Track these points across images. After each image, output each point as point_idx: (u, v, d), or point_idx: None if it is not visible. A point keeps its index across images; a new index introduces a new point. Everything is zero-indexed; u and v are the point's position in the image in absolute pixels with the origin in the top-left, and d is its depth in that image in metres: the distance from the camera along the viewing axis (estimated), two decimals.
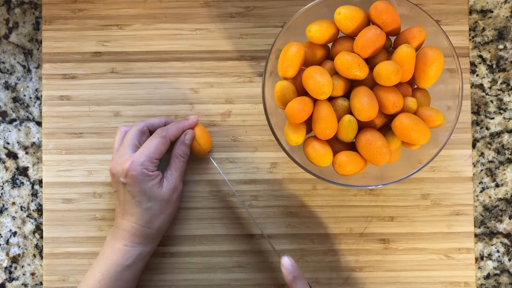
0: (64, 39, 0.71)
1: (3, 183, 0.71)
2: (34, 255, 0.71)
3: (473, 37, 0.71)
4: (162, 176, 0.65)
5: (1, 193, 0.71)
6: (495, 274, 0.71)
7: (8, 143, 0.71)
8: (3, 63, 0.71)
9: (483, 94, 0.71)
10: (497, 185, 0.71)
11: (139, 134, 0.65)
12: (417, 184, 0.70)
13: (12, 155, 0.71)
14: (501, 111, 0.71)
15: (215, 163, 0.69)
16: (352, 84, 0.64)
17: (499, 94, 0.71)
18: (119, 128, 0.68)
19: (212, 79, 0.70)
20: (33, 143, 0.71)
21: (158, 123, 0.68)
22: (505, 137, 0.71)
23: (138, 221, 0.63)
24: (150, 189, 0.63)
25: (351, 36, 0.64)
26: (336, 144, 0.64)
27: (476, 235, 0.71)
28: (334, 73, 0.63)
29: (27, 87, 0.71)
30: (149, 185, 0.63)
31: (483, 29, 0.71)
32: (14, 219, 0.71)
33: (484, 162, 0.71)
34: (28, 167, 0.71)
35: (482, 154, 0.71)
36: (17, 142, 0.71)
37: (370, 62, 0.63)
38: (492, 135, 0.71)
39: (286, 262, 0.61)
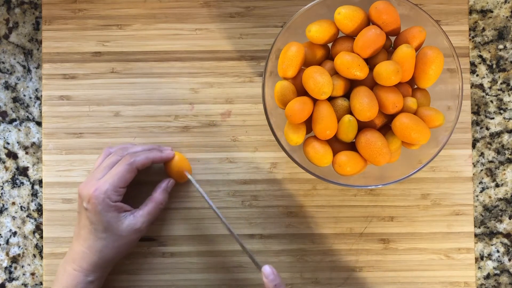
0: (64, 39, 0.71)
1: (3, 183, 0.71)
2: (34, 255, 0.71)
3: (473, 37, 0.71)
4: (127, 210, 0.63)
5: (1, 193, 0.71)
6: (495, 274, 0.71)
7: (8, 143, 0.71)
8: (3, 63, 0.72)
9: (483, 94, 0.71)
10: (497, 185, 0.71)
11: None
12: (417, 184, 0.70)
13: (12, 155, 0.71)
14: (501, 111, 0.71)
15: (193, 180, 0.67)
16: (352, 84, 0.64)
17: (499, 94, 0.71)
18: (104, 149, 0.67)
19: (212, 79, 0.70)
20: (33, 143, 0.71)
21: (142, 152, 0.65)
22: (505, 137, 0.71)
23: (89, 247, 0.62)
24: (108, 221, 0.62)
25: (351, 36, 0.64)
26: (336, 144, 0.64)
27: (476, 235, 0.71)
28: (334, 73, 0.63)
29: (27, 87, 0.71)
30: (108, 216, 0.62)
31: (483, 29, 0.71)
32: (14, 219, 0.71)
33: (484, 162, 0.71)
34: (28, 167, 0.71)
35: (482, 154, 0.71)
36: (17, 142, 0.71)
37: (370, 62, 0.63)
38: (492, 135, 0.71)
39: (267, 270, 0.60)
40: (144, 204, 0.65)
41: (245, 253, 0.66)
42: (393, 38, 0.65)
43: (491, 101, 0.71)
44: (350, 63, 0.61)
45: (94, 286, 0.63)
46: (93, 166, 0.67)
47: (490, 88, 0.71)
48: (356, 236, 0.70)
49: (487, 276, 0.71)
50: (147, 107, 0.70)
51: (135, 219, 0.63)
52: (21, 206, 0.71)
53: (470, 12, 0.71)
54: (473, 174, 0.71)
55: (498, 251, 0.71)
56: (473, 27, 0.71)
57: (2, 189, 0.71)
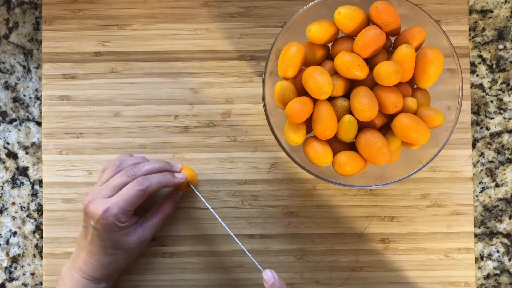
0: (64, 39, 0.71)
1: (3, 183, 0.71)
2: (34, 255, 0.71)
3: (473, 37, 0.71)
4: (134, 223, 0.64)
5: (1, 193, 0.71)
6: (495, 274, 0.71)
7: (8, 143, 0.71)
8: (3, 63, 0.72)
9: (483, 94, 0.71)
10: (497, 185, 0.71)
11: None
12: (417, 184, 0.70)
13: (12, 155, 0.71)
14: (501, 111, 0.71)
15: (196, 190, 0.67)
16: (352, 84, 0.64)
17: (499, 94, 0.71)
18: (114, 164, 0.65)
19: (212, 79, 0.70)
20: (33, 143, 0.71)
21: (152, 170, 0.64)
22: (505, 137, 0.71)
23: (99, 261, 0.63)
24: (118, 239, 0.62)
25: (351, 36, 0.64)
26: (336, 144, 0.64)
27: (476, 235, 0.71)
28: (334, 73, 0.63)
29: (27, 87, 0.71)
30: (117, 235, 0.62)
31: (483, 29, 0.71)
32: (14, 219, 0.71)
33: (484, 162, 0.71)
34: (28, 167, 0.71)
35: (482, 154, 0.71)
36: (17, 142, 0.71)
37: (370, 62, 0.63)
38: (492, 135, 0.71)
39: (268, 275, 0.60)
40: (153, 214, 0.66)
41: (247, 255, 0.66)
42: (393, 38, 0.65)
43: (491, 101, 0.71)
44: (350, 63, 0.61)
45: None
46: (98, 177, 0.66)
47: (490, 88, 0.71)
48: (356, 236, 0.70)
49: (487, 276, 0.71)
50: (147, 107, 0.70)
51: (144, 230, 0.64)
52: (21, 206, 0.71)
53: (470, 12, 0.71)
54: (473, 174, 0.71)
55: (498, 251, 0.71)
56: (473, 27, 0.71)
57: (2, 189, 0.71)
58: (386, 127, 0.64)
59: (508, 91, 0.71)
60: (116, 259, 0.63)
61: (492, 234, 0.71)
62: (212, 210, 0.66)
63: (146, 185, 0.62)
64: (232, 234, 0.65)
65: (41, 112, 0.71)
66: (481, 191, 0.71)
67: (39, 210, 0.71)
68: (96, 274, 0.63)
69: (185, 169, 0.67)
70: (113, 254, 0.63)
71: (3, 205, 0.71)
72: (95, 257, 0.63)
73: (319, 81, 0.61)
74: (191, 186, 0.67)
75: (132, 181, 0.62)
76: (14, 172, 0.71)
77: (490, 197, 0.71)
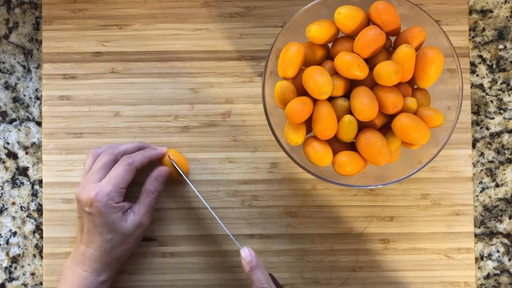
0: (64, 39, 0.71)
1: (3, 183, 0.71)
2: (34, 255, 0.71)
3: (473, 37, 0.71)
4: (128, 208, 0.64)
5: (1, 193, 0.71)
6: (495, 274, 0.71)
7: (8, 143, 0.71)
8: (3, 63, 0.72)
9: (483, 94, 0.71)
10: (497, 185, 0.71)
11: (111, 162, 0.65)
12: (417, 184, 0.70)
13: (12, 155, 0.71)
14: (501, 111, 0.71)
15: (191, 185, 0.67)
16: (352, 84, 0.64)
17: (499, 94, 0.71)
18: (91, 151, 0.67)
19: (212, 79, 0.70)
20: (33, 143, 0.71)
21: (131, 149, 0.67)
22: (505, 137, 0.71)
23: (98, 249, 0.63)
24: (113, 222, 0.62)
25: (351, 36, 0.64)
26: (336, 144, 0.64)
27: (476, 235, 0.71)
28: (334, 73, 0.63)
29: (27, 87, 0.71)
30: (113, 217, 0.62)
31: (483, 29, 0.71)
32: (14, 219, 0.71)
33: (484, 162, 0.71)
34: (28, 167, 0.71)
35: (482, 154, 0.71)
36: (17, 142, 0.71)
37: (370, 62, 0.63)
38: (492, 135, 0.71)
39: (245, 252, 0.62)
40: (142, 196, 0.66)
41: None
42: (393, 38, 0.65)
43: (491, 101, 0.71)
44: (350, 63, 0.61)
45: (106, 286, 0.64)
46: (82, 170, 0.67)
47: (490, 88, 0.71)
48: (356, 236, 0.70)
49: (487, 276, 0.71)
50: (147, 107, 0.70)
51: (135, 215, 0.64)
52: (21, 206, 0.71)
53: (470, 12, 0.71)
54: (473, 174, 0.71)
55: (498, 251, 0.71)
56: (473, 27, 0.71)
57: (2, 189, 0.71)
58: (386, 127, 0.64)
59: (508, 91, 0.71)
60: (114, 245, 0.63)
61: (492, 234, 0.71)
62: (202, 199, 0.66)
63: (131, 160, 0.64)
64: (218, 220, 0.66)
65: (41, 112, 0.71)
66: (481, 191, 0.71)
67: (39, 210, 0.71)
68: (96, 264, 0.63)
69: (174, 154, 0.67)
70: (110, 239, 0.62)
71: (3, 205, 0.71)
72: (94, 246, 0.63)
73: (319, 81, 0.61)
74: (182, 174, 0.66)
75: (114, 159, 0.65)
76: (14, 172, 0.71)
77: (490, 197, 0.71)
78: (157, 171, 0.67)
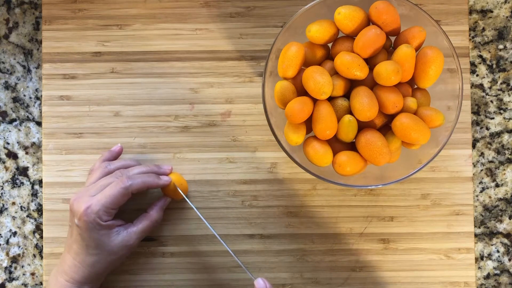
0: (64, 39, 0.71)
1: (3, 183, 0.71)
2: (34, 255, 0.71)
3: (473, 37, 0.71)
4: (118, 225, 0.63)
5: (1, 193, 0.71)
6: (495, 274, 0.71)
7: (8, 143, 0.71)
8: (3, 63, 0.72)
9: (483, 94, 0.71)
10: (497, 185, 0.71)
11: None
12: (417, 184, 0.70)
13: (12, 155, 0.71)
14: (501, 111, 0.71)
15: (194, 207, 0.67)
16: (352, 84, 0.64)
17: (499, 94, 0.71)
18: (102, 165, 0.66)
19: (212, 79, 0.70)
20: (33, 143, 0.71)
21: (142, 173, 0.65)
22: (505, 137, 0.71)
23: (82, 262, 0.62)
24: (99, 239, 0.62)
25: (351, 36, 0.64)
26: (336, 144, 0.64)
27: (476, 235, 0.71)
28: (334, 73, 0.63)
29: (27, 87, 0.71)
30: (99, 234, 0.62)
31: (483, 29, 0.71)
32: (14, 219, 0.71)
33: (484, 162, 0.71)
34: (28, 167, 0.71)
35: (482, 154, 0.71)
36: (17, 142, 0.71)
37: (370, 62, 0.63)
38: (492, 135, 0.71)
39: (260, 284, 0.60)
40: (139, 220, 0.65)
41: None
42: (393, 38, 0.65)
43: (491, 101, 0.71)
44: (350, 63, 0.61)
45: None
46: (87, 178, 0.66)
47: (490, 88, 0.71)
48: (356, 236, 0.70)
49: (487, 276, 0.71)
50: (147, 107, 0.70)
51: (128, 235, 0.63)
52: (21, 206, 0.71)
53: (470, 12, 0.71)
54: (473, 174, 0.71)
55: (498, 251, 0.71)
56: (473, 27, 0.71)
57: (2, 189, 0.71)
58: (386, 127, 0.64)
59: (508, 91, 0.71)
60: (97, 260, 0.62)
61: (492, 234, 0.71)
62: (201, 216, 0.66)
63: (129, 184, 0.62)
64: (218, 236, 0.65)
65: (41, 112, 0.71)
66: (481, 191, 0.71)
67: (39, 210, 0.71)
68: (79, 277, 0.62)
69: (173, 175, 0.67)
70: (95, 254, 0.62)
71: (3, 205, 0.71)
72: (79, 258, 0.62)
73: (319, 81, 0.61)
74: (181, 193, 0.66)
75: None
76: (14, 172, 0.71)
77: (490, 197, 0.71)
78: (163, 201, 0.67)
